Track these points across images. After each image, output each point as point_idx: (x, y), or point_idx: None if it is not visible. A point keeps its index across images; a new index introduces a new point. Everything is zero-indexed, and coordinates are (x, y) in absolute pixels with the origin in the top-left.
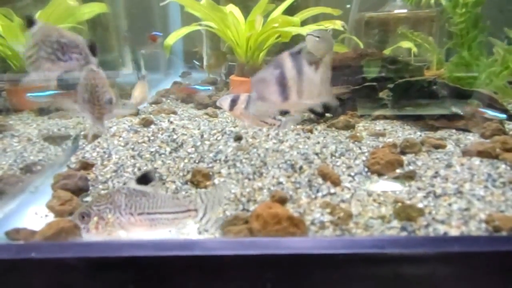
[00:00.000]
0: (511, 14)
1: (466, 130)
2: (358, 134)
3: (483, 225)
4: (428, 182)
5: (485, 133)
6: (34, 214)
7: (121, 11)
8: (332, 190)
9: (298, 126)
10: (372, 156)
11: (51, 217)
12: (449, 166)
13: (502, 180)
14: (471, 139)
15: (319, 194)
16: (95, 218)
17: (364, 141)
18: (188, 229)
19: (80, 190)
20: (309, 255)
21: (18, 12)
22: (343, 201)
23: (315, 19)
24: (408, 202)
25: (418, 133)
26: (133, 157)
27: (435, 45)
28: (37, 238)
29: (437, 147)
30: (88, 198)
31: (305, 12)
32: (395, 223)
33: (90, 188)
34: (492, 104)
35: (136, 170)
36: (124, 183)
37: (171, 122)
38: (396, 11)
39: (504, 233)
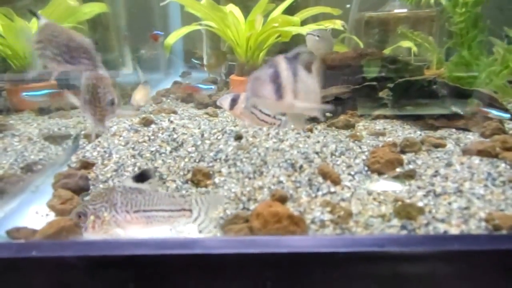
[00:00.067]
0: (511, 14)
1: (466, 129)
2: (358, 133)
3: (483, 224)
4: (428, 181)
5: (485, 132)
6: (35, 213)
7: (121, 10)
8: (332, 189)
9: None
10: (372, 155)
11: (52, 216)
12: (449, 165)
13: (502, 179)
14: (471, 138)
15: (319, 193)
16: (92, 217)
17: (364, 140)
18: (189, 229)
19: (80, 189)
20: (309, 254)
21: (18, 11)
22: (343, 200)
23: (315, 18)
24: (408, 201)
25: (418, 132)
26: (133, 156)
27: (435, 44)
28: (38, 237)
29: (437, 146)
30: (89, 197)
31: (305, 12)
32: (395, 221)
33: (91, 187)
34: (492, 103)
35: (136, 169)
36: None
37: (172, 122)
38: (396, 11)
39: (504, 232)
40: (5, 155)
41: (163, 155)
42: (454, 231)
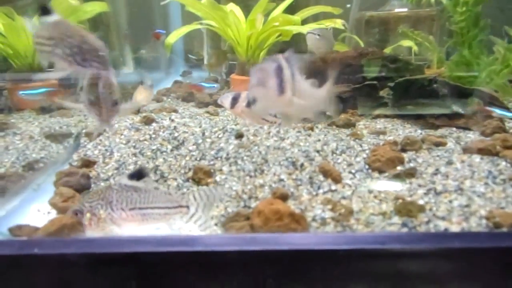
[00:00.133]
0: None
1: (466, 128)
2: (358, 132)
3: (484, 221)
4: (429, 179)
5: (486, 131)
6: (36, 211)
7: (122, 10)
8: (333, 187)
9: (299, 124)
10: (372, 153)
11: (53, 214)
12: (449, 163)
13: (502, 177)
14: (472, 137)
15: (320, 191)
16: (88, 214)
17: (364, 139)
18: (190, 226)
19: (82, 188)
20: (310, 251)
21: (19, 11)
22: (344, 197)
23: (315, 18)
24: (409, 199)
25: (419, 131)
26: (134, 154)
27: (435, 43)
28: (40, 235)
29: (437, 144)
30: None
31: (305, 11)
32: (396, 219)
33: (92, 185)
34: (493, 102)
35: (137, 167)
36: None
37: (172, 120)
38: (396, 10)
39: (504, 229)
40: (6, 154)
41: (164, 153)
42: (454, 228)
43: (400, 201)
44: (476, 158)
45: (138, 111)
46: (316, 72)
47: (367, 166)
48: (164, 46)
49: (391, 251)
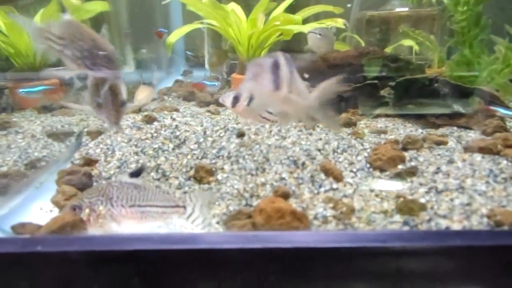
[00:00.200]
0: None
1: (467, 127)
2: (359, 131)
3: (485, 220)
4: (430, 177)
5: (487, 130)
6: (39, 209)
7: (123, 9)
8: (335, 186)
9: (300, 123)
10: (374, 152)
11: (55, 212)
12: (450, 162)
13: (503, 176)
14: (472, 136)
15: (322, 189)
16: (87, 210)
17: (366, 138)
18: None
19: (84, 186)
20: (312, 249)
21: (20, 10)
22: (345, 196)
23: (316, 17)
24: (410, 197)
25: (420, 130)
26: (136, 153)
27: (436, 43)
28: (43, 232)
29: (438, 143)
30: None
31: (306, 10)
32: (397, 217)
33: (94, 184)
34: (494, 101)
35: (139, 166)
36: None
37: (174, 119)
38: (397, 10)
39: (505, 228)
40: (9, 152)
41: (165, 152)
42: (456, 227)
43: (402, 199)
44: (477, 157)
45: (139, 110)
46: (316, 71)
47: (368, 165)
48: (165, 45)
49: (393, 249)
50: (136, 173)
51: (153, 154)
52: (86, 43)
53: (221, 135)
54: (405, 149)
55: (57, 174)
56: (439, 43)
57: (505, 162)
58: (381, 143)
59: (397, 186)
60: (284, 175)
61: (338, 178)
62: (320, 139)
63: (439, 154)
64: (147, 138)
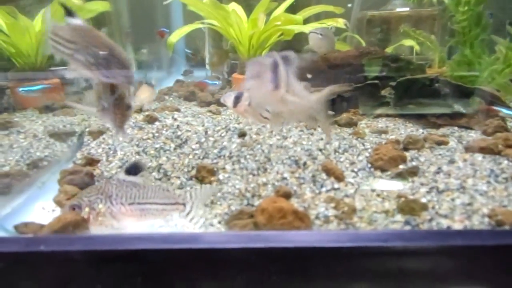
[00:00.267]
0: None
1: (468, 127)
2: (360, 131)
3: (486, 220)
4: (431, 177)
5: (487, 130)
6: (41, 209)
7: (124, 9)
8: (336, 185)
9: (301, 123)
10: (375, 152)
11: (58, 212)
12: (451, 162)
13: (504, 176)
14: (473, 136)
15: (323, 189)
16: (86, 209)
17: (367, 138)
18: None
19: (86, 186)
20: (314, 248)
21: (22, 10)
22: (347, 196)
23: (317, 17)
24: (411, 197)
25: (421, 130)
26: (138, 153)
27: (437, 43)
28: (45, 232)
29: (439, 143)
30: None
31: (307, 10)
32: (399, 217)
33: (96, 183)
34: (494, 101)
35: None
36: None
37: (175, 119)
38: (398, 9)
39: (506, 227)
40: (11, 152)
41: (167, 152)
42: (457, 226)
43: (403, 199)
44: (478, 156)
45: (140, 110)
46: (317, 71)
47: (369, 165)
48: (167, 45)
49: (394, 248)
50: (133, 170)
51: (155, 154)
52: (101, 50)
53: (222, 135)
54: (406, 149)
55: (59, 173)
56: (440, 43)
57: (506, 162)
58: (382, 143)
59: (398, 186)
60: (285, 175)
61: (340, 178)
62: (322, 139)
63: (440, 154)
64: (148, 138)
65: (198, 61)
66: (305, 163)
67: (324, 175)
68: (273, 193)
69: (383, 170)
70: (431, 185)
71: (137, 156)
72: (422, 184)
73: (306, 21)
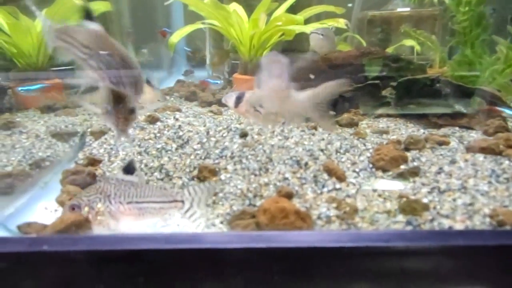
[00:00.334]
0: None
1: (469, 127)
2: (361, 131)
3: (487, 220)
4: (433, 178)
5: (488, 130)
6: (44, 209)
7: (125, 9)
8: (338, 186)
9: (302, 123)
10: (376, 152)
11: (60, 212)
12: (453, 162)
13: (505, 176)
14: (474, 136)
15: (325, 189)
16: (86, 209)
17: (368, 138)
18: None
19: (88, 186)
20: (316, 248)
21: (23, 10)
22: (348, 196)
23: (318, 17)
24: (412, 197)
25: (422, 130)
26: (140, 153)
27: (438, 43)
28: (49, 232)
29: (440, 143)
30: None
31: (308, 11)
32: (400, 217)
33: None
34: (495, 102)
35: (143, 166)
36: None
37: (177, 119)
38: (398, 10)
39: (508, 227)
40: (13, 152)
41: (169, 152)
42: (458, 226)
43: (404, 199)
44: (479, 157)
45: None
46: (318, 71)
47: (371, 165)
48: (168, 45)
49: (396, 248)
50: (129, 169)
51: (157, 154)
52: (115, 60)
53: (224, 135)
54: (407, 149)
55: (62, 174)
56: (441, 43)
57: (507, 162)
58: (383, 143)
59: (399, 186)
60: (287, 175)
61: (341, 178)
62: (323, 139)
63: (441, 154)
64: (150, 138)
65: (199, 61)
66: (306, 164)
67: (325, 175)
68: (275, 193)
69: (384, 170)
70: (432, 185)
71: (139, 156)
72: (423, 184)
73: (307, 21)
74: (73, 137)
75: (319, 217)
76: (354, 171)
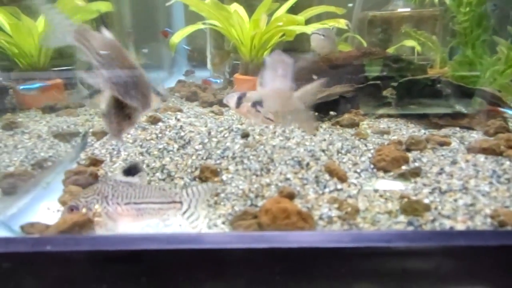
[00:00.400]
0: None
1: (469, 128)
2: (362, 131)
3: (488, 220)
4: (434, 178)
5: (489, 130)
6: (46, 209)
7: (126, 9)
8: (339, 186)
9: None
10: (377, 153)
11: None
12: (454, 162)
13: (506, 176)
14: (475, 136)
15: (326, 190)
16: (84, 210)
17: (369, 139)
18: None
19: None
20: (317, 249)
21: (24, 11)
22: (350, 196)
23: (318, 17)
24: (414, 197)
25: (422, 131)
26: (141, 153)
27: (438, 43)
28: (52, 232)
29: (442, 144)
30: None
31: (309, 11)
32: (402, 218)
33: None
34: (496, 102)
35: (144, 166)
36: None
37: (178, 120)
38: (399, 10)
39: (509, 228)
40: (16, 152)
41: (170, 152)
42: (460, 227)
43: (406, 200)
44: (481, 157)
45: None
46: (319, 71)
47: (372, 166)
48: (169, 45)
49: (397, 249)
50: (131, 171)
51: (158, 154)
52: (125, 73)
53: (225, 135)
54: (408, 149)
55: (64, 174)
56: (441, 43)
57: (508, 163)
58: (385, 144)
59: (401, 186)
60: (289, 175)
61: (343, 178)
62: (324, 139)
63: (442, 155)
64: (152, 139)
65: (199, 61)
66: (308, 164)
67: (327, 176)
68: (276, 193)
69: (385, 170)
70: (433, 185)
71: (141, 157)
72: (424, 184)
73: (307, 21)
74: (75, 138)
75: (320, 218)
76: (355, 171)
